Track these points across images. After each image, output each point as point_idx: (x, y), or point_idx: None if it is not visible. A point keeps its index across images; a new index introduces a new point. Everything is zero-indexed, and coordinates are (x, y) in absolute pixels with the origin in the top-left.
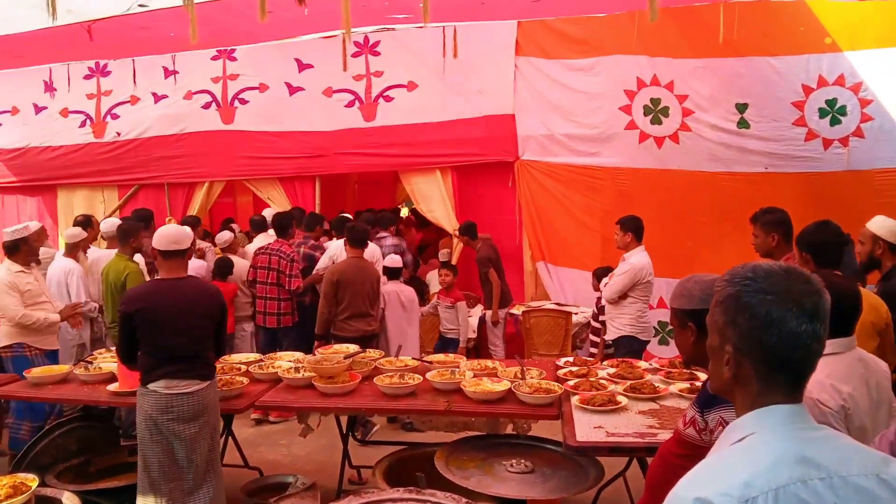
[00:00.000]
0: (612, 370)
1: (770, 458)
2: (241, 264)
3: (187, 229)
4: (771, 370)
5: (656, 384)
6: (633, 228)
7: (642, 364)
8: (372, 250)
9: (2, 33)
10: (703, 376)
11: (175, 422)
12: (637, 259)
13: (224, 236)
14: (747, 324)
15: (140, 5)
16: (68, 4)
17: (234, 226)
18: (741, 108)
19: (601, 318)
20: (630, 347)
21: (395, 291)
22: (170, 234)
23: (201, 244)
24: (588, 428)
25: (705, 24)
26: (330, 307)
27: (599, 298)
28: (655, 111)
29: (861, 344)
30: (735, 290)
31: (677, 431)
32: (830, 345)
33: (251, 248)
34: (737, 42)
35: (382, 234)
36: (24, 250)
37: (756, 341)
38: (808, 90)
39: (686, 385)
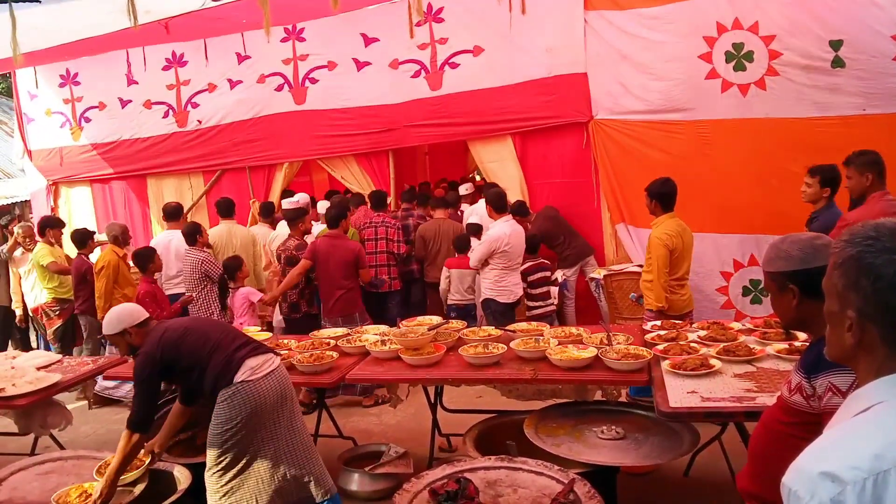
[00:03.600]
0: (702, 332)
1: None
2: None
3: (128, 308)
4: None
5: (751, 346)
6: (492, 202)
7: (735, 325)
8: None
9: (87, 35)
10: (802, 336)
11: (271, 404)
12: (495, 230)
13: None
14: (871, 286)
15: (213, 0)
16: (147, 6)
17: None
18: (835, 45)
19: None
20: (491, 308)
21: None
22: (113, 318)
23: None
24: (681, 393)
25: None
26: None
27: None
28: (738, 57)
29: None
30: (857, 250)
31: (782, 398)
32: None
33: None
34: None
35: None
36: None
37: (882, 304)
38: None
39: (784, 346)
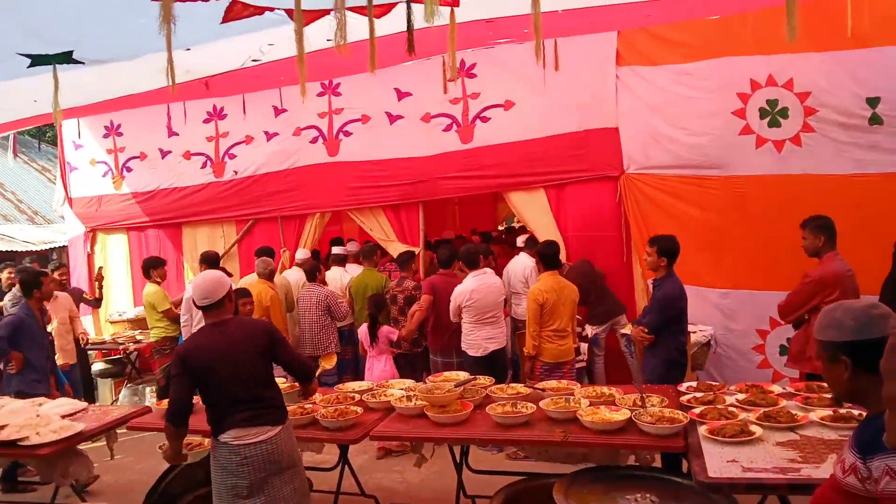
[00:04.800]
0: (741, 395)
1: None
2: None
3: (222, 279)
4: None
5: (793, 411)
6: (463, 258)
7: (775, 388)
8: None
9: (129, 93)
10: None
11: (251, 473)
12: (459, 286)
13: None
14: None
15: (253, 60)
16: (186, 66)
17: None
18: (872, 102)
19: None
20: (465, 360)
21: None
22: (203, 287)
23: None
24: (720, 461)
25: (828, 17)
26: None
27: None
28: (773, 113)
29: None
30: None
31: (835, 478)
32: None
33: (329, 276)
34: (865, 34)
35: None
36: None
37: None
38: None
39: (828, 412)
